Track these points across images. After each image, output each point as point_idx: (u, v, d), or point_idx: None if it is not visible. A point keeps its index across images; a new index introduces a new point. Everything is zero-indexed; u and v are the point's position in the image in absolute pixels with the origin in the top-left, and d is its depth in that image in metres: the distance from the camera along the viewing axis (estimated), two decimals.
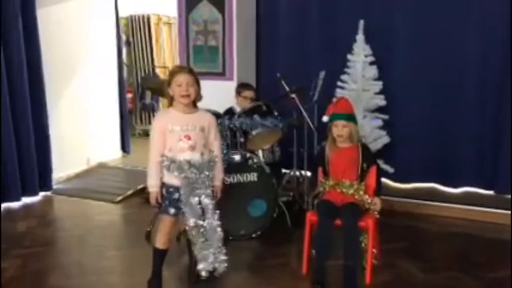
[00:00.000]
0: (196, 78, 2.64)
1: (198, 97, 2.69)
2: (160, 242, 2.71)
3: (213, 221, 2.59)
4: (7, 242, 3.53)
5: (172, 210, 2.63)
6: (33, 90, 4.52)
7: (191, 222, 2.54)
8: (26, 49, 4.40)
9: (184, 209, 2.57)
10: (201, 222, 2.56)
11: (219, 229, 2.61)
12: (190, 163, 2.55)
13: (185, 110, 2.63)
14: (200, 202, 2.57)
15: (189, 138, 2.57)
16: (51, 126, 4.77)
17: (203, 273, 2.58)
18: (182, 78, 2.58)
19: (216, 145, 2.74)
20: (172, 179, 2.59)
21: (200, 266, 2.58)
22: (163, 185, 2.65)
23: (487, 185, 4.28)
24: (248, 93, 4.27)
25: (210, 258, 2.58)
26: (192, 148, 2.58)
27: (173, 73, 2.63)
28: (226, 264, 2.62)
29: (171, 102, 2.67)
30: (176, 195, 2.60)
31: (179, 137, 2.57)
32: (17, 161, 4.40)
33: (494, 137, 4.18)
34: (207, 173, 2.59)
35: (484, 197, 4.25)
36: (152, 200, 2.63)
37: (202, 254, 2.58)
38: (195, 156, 2.58)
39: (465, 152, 4.29)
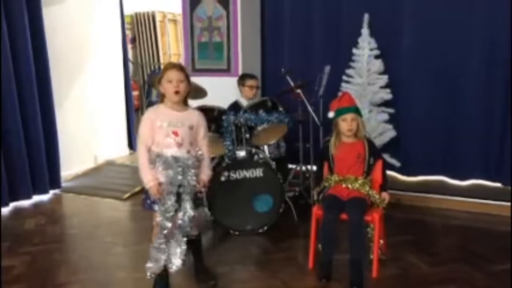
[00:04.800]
0: (186, 75, 2.64)
1: (189, 94, 2.69)
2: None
3: (185, 215, 2.55)
4: (17, 240, 3.58)
5: (156, 207, 2.60)
6: (41, 90, 4.56)
7: (158, 219, 2.53)
8: (33, 50, 4.43)
9: (158, 205, 2.55)
10: (168, 224, 2.53)
11: (188, 229, 2.57)
12: (176, 159, 2.54)
13: (175, 107, 2.63)
14: (177, 200, 2.54)
15: (176, 134, 2.57)
16: (58, 125, 4.81)
17: (148, 273, 2.55)
18: (173, 75, 2.58)
19: (204, 144, 2.73)
20: (157, 175, 2.57)
21: (148, 265, 2.54)
22: None
23: (494, 177, 4.26)
24: (253, 82, 4.29)
25: (161, 261, 2.53)
26: (179, 145, 2.57)
27: (164, 70, 2.64)
28: (180, 261, 2.54)
29: (162, 99, 2.68)
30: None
31: (167, 133, 2.57)
32: (27, 160, 4.45)
33: (500, 129, 4.15)
34: (193, 171, 2.57)
35: (491, 190, 4.23)
36: (155, 195, 2.56)
37: (154, 254, 2.54)
38: (182, 153, 2.57)
39: (471, 144, 4.27)
